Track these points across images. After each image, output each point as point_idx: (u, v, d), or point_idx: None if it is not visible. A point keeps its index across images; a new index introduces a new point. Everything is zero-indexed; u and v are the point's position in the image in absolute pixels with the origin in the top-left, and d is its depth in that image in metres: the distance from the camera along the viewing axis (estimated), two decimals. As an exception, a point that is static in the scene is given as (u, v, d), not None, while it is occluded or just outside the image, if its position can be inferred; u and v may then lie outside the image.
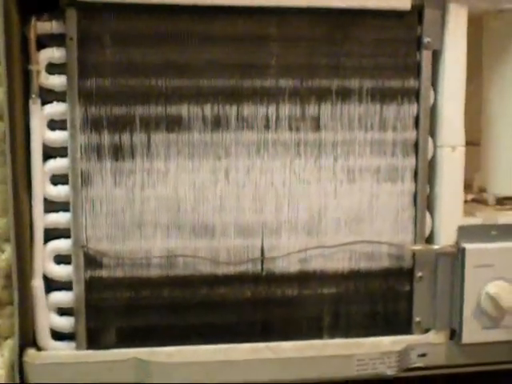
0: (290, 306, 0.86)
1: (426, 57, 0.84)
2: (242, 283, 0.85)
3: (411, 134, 0.85)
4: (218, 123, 0.82)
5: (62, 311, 0.83)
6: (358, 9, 0.82)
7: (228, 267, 0.84)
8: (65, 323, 0.83)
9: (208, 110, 0.82)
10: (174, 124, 0.81)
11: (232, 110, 0.82)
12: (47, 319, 0.83)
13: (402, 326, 0.88)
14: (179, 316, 0.85)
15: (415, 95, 0.85)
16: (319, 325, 0.87)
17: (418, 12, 0.84)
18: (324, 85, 0.83)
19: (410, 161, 0.86)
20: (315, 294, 0.86)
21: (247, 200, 0.83)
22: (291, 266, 0.85)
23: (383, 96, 0.84)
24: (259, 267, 0.84)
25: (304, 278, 0.85)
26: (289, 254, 0.84)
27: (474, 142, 0.91)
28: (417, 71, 0.85)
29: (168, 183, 0.82)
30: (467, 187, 0.92)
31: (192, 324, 0.85)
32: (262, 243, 0.84)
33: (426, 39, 0.84)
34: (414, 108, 0.85)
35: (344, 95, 0.83)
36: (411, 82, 0.85)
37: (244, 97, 0.82)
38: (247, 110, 0.82)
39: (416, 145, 0.85)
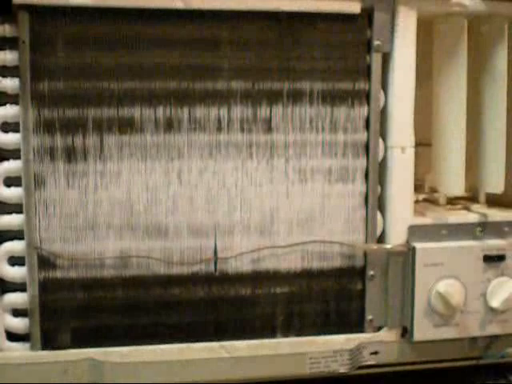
0: (243, 306, 0.87)
1: (376, 59, 0.86)
2: (196, 283, 0.85)
3: (362, 136, 0.86)
4: (170, 125, 0.82)
5: (17, 312, 0.84)
6: (308, 12, 0.83)
7: (181, 267, 0.84)
8: (19, 324, 0.84)
9: (160, 112, 0.82)
10: (127, 126, 0.82)
11: (184, 112, 0.83)
12: (2, 320, 0.83)
13: (355, 324, 0.90)
14: (133, 316, 0.85)
15: (366, 97, 0.86)
16: (272, 324, 0.88)
17: (367, 15, 0.85)
18: (275, 87, 0.84)
19: (361, 162, 0.87)
20: (268, 293, 0.87)
21: (200, 201, 0.84)
22: (244, 266, 0.86)
23: (334, 98, 0.85)
24: (212, 267, 0.85)
25: (257, 277, 0.86)
26: (242, 254, 0.85)
27: (426, 142, 0.93)
28: (367, 74, 0.86)
29: (121, 185, 0.83)
30: (419, 187, 0.94)
31: (146, 324, 0.85)
32: (215, 244, 0.85)
33: (375, 42, 0.85)
34: (364, 110, 0.86)
35: (295, 97, 0.84)
36: (362, 85, 0.86)
37: (196, 99, 0.83)
38: (199, 112, 0.83)
39: (367, 146, 0.87)
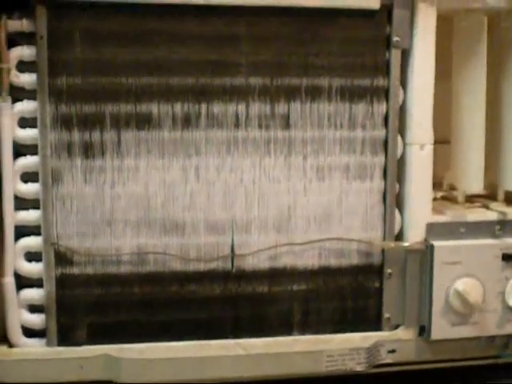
0: (260, 303, 0.86)
1: (395, 56, 0.85)
2: (212, 280, 0.85)
3: (380, 133, 0.86)
4: (188, 121, 0.82)
5: (33, 308, 0.83)
6: (327, 8, 0.82)
7: (198, 264, 0.84)
8: (36, 320, 0.84)
9: (178, 108, 0.82)
10: (144, 122, 0.81)
11: (202, 109, 0.82)
12: (18, 316, 0.83)
13: (372, 322, 0.89)
14: (150, 313, 0.85)
15: (384, 94, 0.85)
16: (289, 321, 0.88)
17: (387, 11, 0.84)
18: (294, 83, 0.84)
19: (380, 159, 0.86)
20: (285, 290, 0.87)
21: (217, 198, 0.84)
22: (261, 263, 0.85)
23: (352, 95, 0.85)
24: (229, 264, 0.85)
25: (274, 274, 0.86)
26: (259, 251, 0.85)
27: (445, 140, 0.92)
28: (386, 70, 0.85)
29: (138, 181, 0.82)
30: (437, 185, 0.93)
31: (162, 321, 0.85)
32: (232, 240, 0.84)
33: (395, 38, 0.85)
34: (383, 106, 0.86)
35: (313, 94, 0.84)
36: (380, 81, 0.85)
37: (214, 95, 0.82)
38: (217, 108, 0.82)
39: (385, 143, 0.86)
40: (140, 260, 0.84)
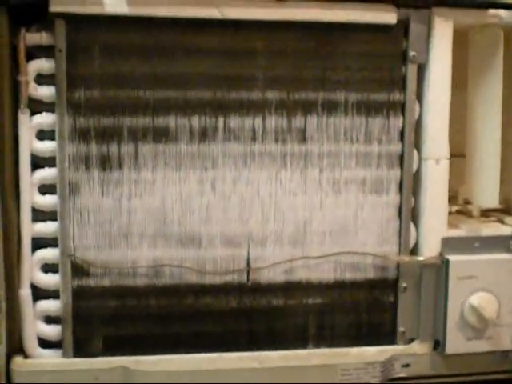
0: (275, 316, 0.86)
1: (411, 70, 0.85)
2: (228, 293, 0.85)
3: (396, 147, 0.86)
4: (204, 135, 0.82)
5: (50, 319, 0.84)
6: (344, 23, 0.83)
7: (214, 277, 0.84)
8: (52, 331, 0.84)
9: (195, 121, 0.82)
10: (162, 135, 0.82)
11: (219, 122, 0.83)
12: (34, 327, 0.83)
13: (387, 336, 0.89)
14: (165, 325, 0.85)
15: (401, 108, 0.86)
16: (304, 335, 0.88)
17: (403, 26, 0.85)
18: (310, 97, 0.84)
19: (395, 173, 0.86)
20: (300, 304, 0.87)
21: (233, 211, 0.84)
22: (277, 276, 0.85)
23: (369, 109, 0.85)
24: (245, 277, 0.85)
25: (289, 288, 0.86)
26: (274, 264, 0.85)
27: (460, 153, 0.92)
28: (402, 85, 0.85)
29: (155, 194, 0.83)
30: (452, 199, 0.93)
31: (178, 333, 0.85)
32: (248, 254, 0.85)
33: (411, 53, 0.85)
34: (399, 121, 0.86)
35: (330, 108, 0.84)
36: (397, 96, 0.85)
37: (231, 109, 0.83)
38: (234, 121, 0.83)
39: (401, 157, 0.86)
40: (156, 272, 0.84)
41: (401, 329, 0.89)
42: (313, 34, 0.83)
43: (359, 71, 0.84)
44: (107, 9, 0.79)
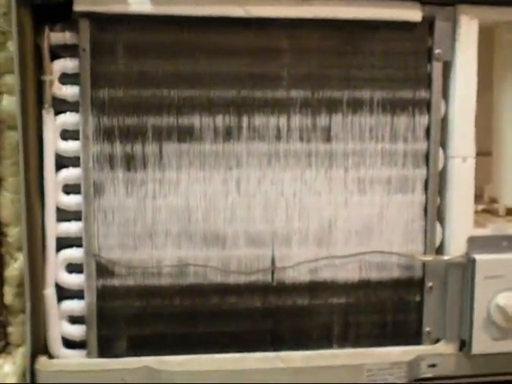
0: (300, 316, 0.86)
1: (436, 68, 0.84)
2: (253, 293, 0.85)
3: (422, 145, 0.85)
4: (229, 134, 0.82)
5: (74, 319, 0.84)
6: (369, 20, 0.82)
7: (238, 277, 0.84)
8: (76, 331, 0.84)
9: (219, 120, 0.82)
10: (186, 134, 0.82)
11: (243, 121, 0.82)
12: (59, 327, 0.84)
13: (412, 336, 0.88)
14: (190, 325, 0.85)
15: (426, 106, 0.85)
16: (329, 334, 0.87)
17: (428, 23, 0.84)
18: (335, 96, 0.83)
19: (421, 171, 0.86)
20: (325, 303, 0.86)
21: (258, 210, 0.84)
22: (301, 276, 0.85)
23: (394, 107, 0.84)
24: (269, 277, 0.85)
25: (314, 288, 0.86)
26: (299, 263, 0.84)
27: (486, 152, 0.91)
28: (428, 82, 0.85)
29: (179, 193, 0.82)
30: (478, 197, 0.92)
31: (202, 333, 0.85)
32: (273, 253, 0.84)
33: (436, 51, 0.84)
34: (424, 119, 0.85)
35: (355, 106, 0.84)
36: (422, 93, 0.85)
37: (255, 107, 0.82)
38: (258, 120, 0.82)
39: (427, 156, 0.85)
40: (180, 272, 0.84)
41: (426, 329, 0.88)
42: (337, 32, 0.83)
43: (384, 69, 0.84)
44: (131, 7, 0.78)
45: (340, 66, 0.83)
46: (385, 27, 0.83)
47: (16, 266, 0.83)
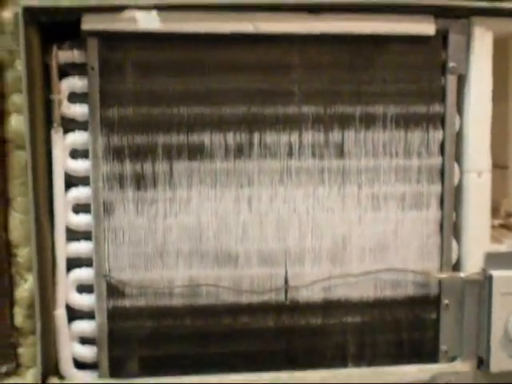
0: (314, 335, 0.85)
1: (451, 82, 0.83)
2: (266, 312, 0.84)
3: (437, 160, 0.84)
4: (240, 151, 0.81)
5: (85, 340, 0.83)
6: (380, 34, 0.81)
7: (251, 296, 0.83)
8: (87, 352, 0.83)
9: (230, 137, 0.81)
10: (196, 152, 0.81)
11: (254, 138, 0.81)
12: (70, 348, 0.83)
13: (429, 354, 0.87)
14: (202, 345, 0.84)
15: (440, 121, 0.84)
16: (344, 354, 0.86)
17: (442, 37, 0.83)
18: (347, 111, 0.82)
19: (436, 187, 0.84)
20: (340, 322, 0.85)
21: (270, 228, 0.83)
22: (315, 294, 0.84)
23: (408, 122, 0.83)
24: (283, 296, 0.84)
25: (328, 306, 0.85)
26: (313, 282, 0.83)
27: (502, 165, 0.90)
28: (442, 96, 0.84)
29: (190, 212, 0.82)
30: (494, 211, 0.90)
31: (215, 353, 0.84)
32: (286, 272, 0.83)
33: (450, 64, 0.83)
34: (439, 134, 0.84)
35: (368, 121, 0.83)
36: (436, 108, 0.84)
37: (266, 124, 0.81)
38: (270, 137, 0.82)
39: (441, 171, 0.84)
40: (192, 292, 0.83)
41: (443, 347, 0.87)
42: (348, 47, 0.82)
43: (397, 83, 0.83)
44: (140, 25, 0.78)
45: (352, 80, 0.82)
46: (397, 41, 0.82)
47: (26, 286, 0.83)
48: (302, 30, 0.80)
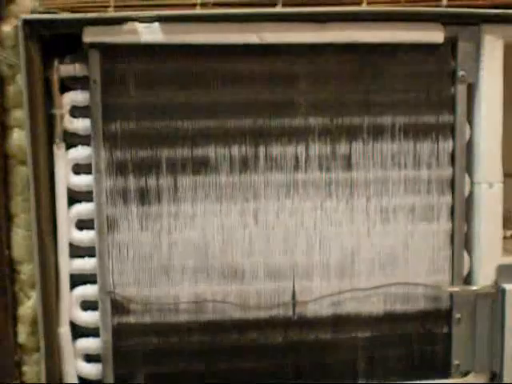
0: (323, 351, 0.84)
1: (460, 91, 0.82)
2: (273, 328, 0.83)
3: (447, 171, 0.83)
4: (245, 164, 0.80)
5: (90, 358, 0.82)
6: (388, 43, 0.80)
7: (258, 312, 0.82)
8: (92, 370, 0.82)
9: (235, 150, 0.80)
10: (201, 166, 0.80)
11: (260, 151, 0.80)
12: (74, 366, 0.82)
13: (440, 369, 0.86)
14: (209, 362, 0.83)
15: (450, 131, 0.82)
16: (354, 369, 0.85)
17: (451, 45, 0.81)
18: (355, 122, 0.81)
19: (446, 199, 0.83)
20: (349, 338, 0.84)
21: (277, 242, 0.81)
22: (324, 309, 0.83)
23: (417, 132, 0.82)
24: (290, 311, 0.82)
25: (337, 321, 0.83)
26: (321, 297, 0.82)
27: (512, 174, 0.88)
28: (452, 106, 0.82)
29: (196, 227, 0.80)
30: (506, 221, 0.88)
31: (222, 370, 0.83)
32: (293, 286, 0.82)
33: (460, 72, 0.81)
34: (449, 144, 0.82)
35: (376, 132, 0.81)
36: (446, 118, 0.82)
37: (272, 137, 0.80)
38: (276, 150, 0.80)
39: (452, 182, 0.83)
40: (198, 308, 0.82)
41: (455, 361, 0.85)
42: (356, 56, 0.80)
43: (405, 93, 0.81)
44: (142, 37, 0.76)
45: (360, 90, 0.81)
46: (405, 49, 0.81)
47: (29, 304, 0.81)
48: (309, 40, 0.79)
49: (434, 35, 0.80)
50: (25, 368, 0.83)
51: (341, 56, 0.80)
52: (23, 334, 0.82)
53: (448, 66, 0.82)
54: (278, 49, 0.79)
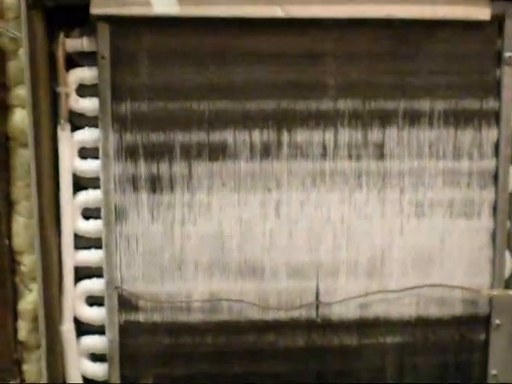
0: (348, 356, 0.80)
1: (507, 73, 0.77)
2: (295, 331, 0.79)
3: (490, 163, 0.78)
4: (267, 151, 0.76)
5: (95, 357, 0.79)
6: (428, 19, 0.74)
7: (278, 313, 0.78)
8: (98, 370, 0.79)
9: (256, 136, 0.76)
10: (218, 152, 0.75)
11: (284, 136, 0.76)
12: (78, 365, 0.78)
13: (476, 379, 0.81)
14: (224, 365, 0.79)
15: (495, 118, 0.77)
16: (381, 377, 0.80)
17: (498, 22, 0.76)
18: (389, 107, 0.76)
19: (489, 193, 0.78)
20: (377, 343, 0.80)
21: (301, 237, 0.77)
22: (350, 312, 0.79)
23: (458, 119, 0.77)
24: (314, 313, 0.78)
25: (364, 325, 0.79)
26: (347, 298, 0.78)
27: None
28: (497, 90, 0.77)
29: (211, 218, 0.76)
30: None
31: (238, 374, 0.79)
32: (317, 286, 0.78)
33: (506, 54, 0.76)
34: (493, 133, 0.78)
35: (412, 118, 0.77)
36: (490, 103, 0.77)
37: (297, 121, 0.76)
38: (301, 135, 0.76)
39: (495, 175, 0.78)
40: (213, 307, 0.77)
41: (492, 371, 0.81)
42: (391, 34, 0.75)
43: (445, 75, 0.76)
44: (156, 9, 0.71)
45: (394, 72, 0.76)
46: (447, 27, 0.75)
47: (30, 298, 0.77)
48: (339, 14, 0.74)
49: (480, 11, 0.75)
50: (25, 366, 0.80)
51: (374, 33, 0.76)
52: (24, 331, 0.79)
53: (494, 46, 0.77)
54: (304, 24, 0.74)
